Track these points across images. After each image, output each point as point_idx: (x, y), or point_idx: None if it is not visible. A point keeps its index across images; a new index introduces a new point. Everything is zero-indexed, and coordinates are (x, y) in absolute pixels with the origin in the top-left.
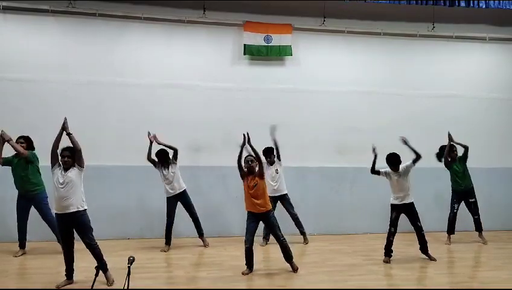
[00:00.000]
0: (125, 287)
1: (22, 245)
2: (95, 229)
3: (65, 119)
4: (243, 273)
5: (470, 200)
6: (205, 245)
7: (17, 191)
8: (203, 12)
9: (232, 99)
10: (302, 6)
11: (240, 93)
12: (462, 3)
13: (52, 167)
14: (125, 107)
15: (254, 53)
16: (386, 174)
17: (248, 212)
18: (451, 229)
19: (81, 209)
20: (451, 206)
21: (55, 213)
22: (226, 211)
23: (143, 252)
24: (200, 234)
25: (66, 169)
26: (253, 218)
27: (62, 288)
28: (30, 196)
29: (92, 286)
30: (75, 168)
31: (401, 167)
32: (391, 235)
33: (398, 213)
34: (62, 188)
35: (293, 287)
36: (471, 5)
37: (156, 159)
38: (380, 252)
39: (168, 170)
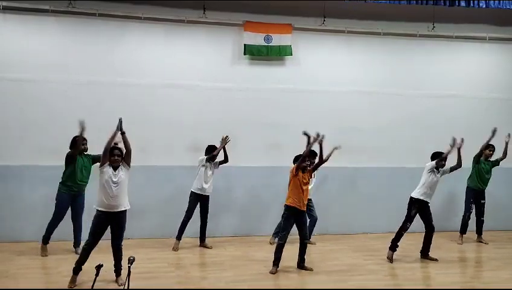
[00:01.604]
0: (125, 287)
1: (47, 242)
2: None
3: (120, 119)
4: (271, 273)
5: (482, 201)
6: (208, 247)
7: (68, 188)
8: (203, 12)
9: (232, 99)
10: (302, 6)
11: (239, 93)
12: (462, 3)
13: (101, 166)
14: (125, 107)
15: (254, 53)
16: (439, 170)
17: (290, 208)
18: (464, 229)
19: (127, 208)
20: (467, 205)
21: (101, 211)
22: (226, 210)
23: (143, 252)
24: (202, 239)
25: (115, 168)
26: (292, 215)
27: (74, 288)
28: (81, 193)
29: (92, 286)
30: (123, 167)
31: (444, 168)
32: (406, 229)
33: (418, 209)
34: (115, 187)
35: (293, 287)
36: (471, 5)
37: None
38: (380, 252)
39: (213, 168)
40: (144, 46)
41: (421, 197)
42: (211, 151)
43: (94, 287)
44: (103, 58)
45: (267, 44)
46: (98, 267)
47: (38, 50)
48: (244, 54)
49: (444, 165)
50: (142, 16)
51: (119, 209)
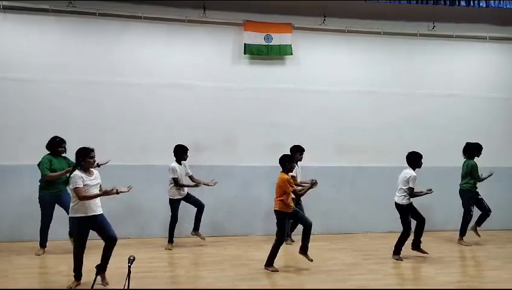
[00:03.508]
0: (126, 287)
1: (44, 245)
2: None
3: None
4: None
5: (479, 197)
6: (201, 238)
7: (49, 191)
8: (203, 12)
9: (232, 99)
10: (303, 6)
11: (239, 93)
12: (463, 3)
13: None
14: (125, 107)
15: (254, 52)
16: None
17: None
18: (465, 232)
19: (101, 212)
20: (467, 208)
21: (81, 217)
22: (226, 210)
23: (143, 251)
24: (196, 228)
25: (89, 171)
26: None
27: (74, 289)
28: (63, 194)
29: (92, 286)
30: (96, 170)
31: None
32: (409, 236)
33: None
34: (93, 189)
35: (293, 287)
36: (472, 4)
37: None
38: (380, 251)
39: (185, 168)
40: (144, 45)
41: (409, 202)
42: (178, 151)
43: (94, 288)
44: (103, 58)
45: (267, 43)
46: (98, 267)
47: (38, 50)
48: (245, 53)
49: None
50: (142, 16)
51: (100, 212)
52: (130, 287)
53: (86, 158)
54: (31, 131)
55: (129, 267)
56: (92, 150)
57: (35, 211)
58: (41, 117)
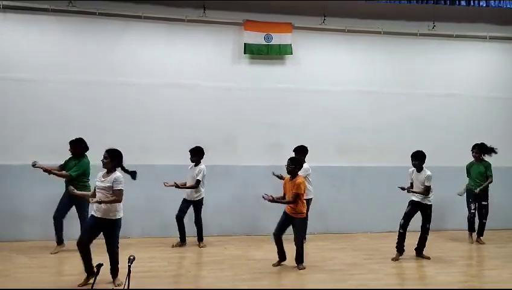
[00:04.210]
0: (126, 287)
1: (60, 242)
2: None
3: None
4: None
5: (483, 203)
6: (200, 246)
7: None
8: (203, 12)
9: (232, 99)
10: (303, 5)
11: (239, 93)
12: (463, 2)
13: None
14: (125, 107)
15: (254, 52)
16: (410, 174)
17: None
18: (472, 227)
19: (113, 218)
20: (468, 206)
21: (92, 215)
22: (226, 209)
23: (143, 251)
24: (198, 239)
25: (107, 172)
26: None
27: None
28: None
29: (92, 286)
30: (116, 175)
31: (426, 173)
32: (400, 227)
33: (412, 207)
34: (99, 191)
35: (293, 286)
36: (472, 4)
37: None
38: (380, 251)
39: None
40: (144, 45)
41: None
42: (198, 153)
43: (94, 288)
44: (103, 58)
45: (267, 43)
46: (98, 266)
47: (38, 50)
48: (245, 53)
49: (414, 165)
50: (142, 15)
51: (101, 216)
52: (130, 287)
53: None
54: (31, 131)
55: (129, 267)
56: (106, 151)
57: (35, 211)
58: (41, 117)
